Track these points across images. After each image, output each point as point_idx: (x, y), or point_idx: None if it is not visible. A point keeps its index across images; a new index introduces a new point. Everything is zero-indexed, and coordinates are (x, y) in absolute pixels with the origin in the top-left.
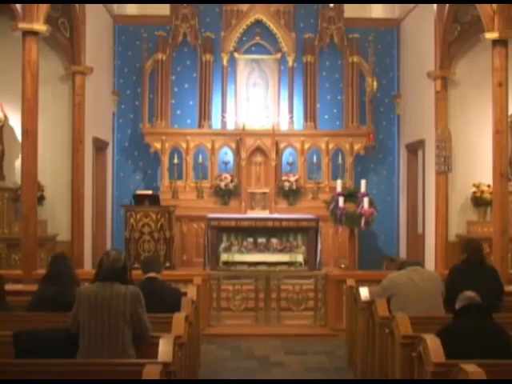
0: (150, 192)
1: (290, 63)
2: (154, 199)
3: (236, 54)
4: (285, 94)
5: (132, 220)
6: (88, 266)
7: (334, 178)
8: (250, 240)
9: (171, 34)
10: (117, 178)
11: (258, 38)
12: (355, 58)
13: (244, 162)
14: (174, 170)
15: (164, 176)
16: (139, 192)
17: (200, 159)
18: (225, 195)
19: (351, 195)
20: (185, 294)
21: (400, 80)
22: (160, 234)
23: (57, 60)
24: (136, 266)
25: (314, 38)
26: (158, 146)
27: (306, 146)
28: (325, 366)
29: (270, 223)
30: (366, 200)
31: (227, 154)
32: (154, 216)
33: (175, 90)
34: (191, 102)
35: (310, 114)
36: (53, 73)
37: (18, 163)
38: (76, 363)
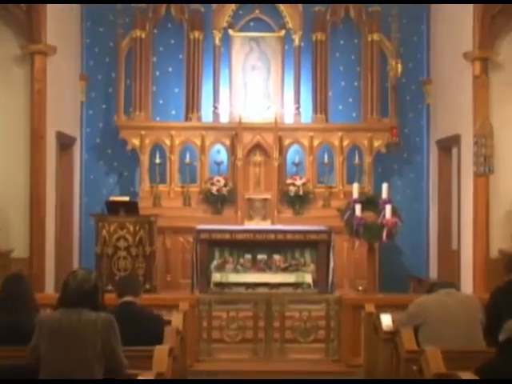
0: (126, 198)
1: (297, 42)
2: (131, 207)
3: (231, 31)
4: (290, 79)
5: (104, 232)
6: (50, 289)
7: (350, 181)
8: (248, 256)
9: (151, 7)
10: (86, 182)
11: (257, 11)
12: (375, 36)
13: (240, 162)
14: (155, 172)
15: (143, 179)
16: (113, 198)
17: (187, 159)
18: (217, 202)
19: (370, 202)
20: (168, 322)
21: (430, 62)
22: (139, 249)
23: (11, 38)
24: (109, 288)
25: (325, 12)
26: (136, 142)
27: (316, 142)
28: None
29: (272, 236)
30: (388, 208)
31: (220, 153)
32: (131, 227)
33: (157, 74)
34: (176, 90)
35: (320, 104)
36: (5, 53)
37: None
38: None
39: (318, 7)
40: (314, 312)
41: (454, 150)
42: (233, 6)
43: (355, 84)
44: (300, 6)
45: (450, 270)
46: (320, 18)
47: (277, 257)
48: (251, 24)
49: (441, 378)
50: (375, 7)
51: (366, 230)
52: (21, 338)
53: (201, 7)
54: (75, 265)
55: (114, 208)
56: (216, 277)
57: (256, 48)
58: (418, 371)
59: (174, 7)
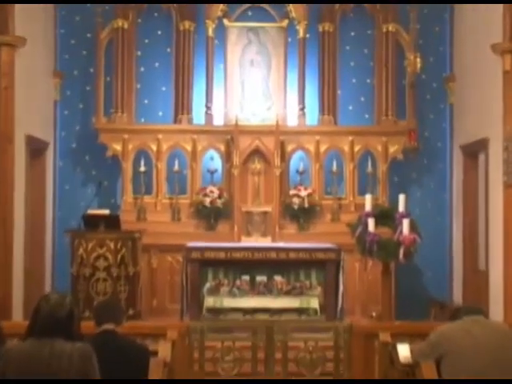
0: (106, 212)
1: (301, 34)
2: (112, 222)
3: (226, 21)
4: (293, 76)
5: (81, 251)
6: (18, 316)
7: (362, 192)
8: (246, 278)
9: None
10: (60, 193)
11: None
12: (391, 27)
13: (237, 170)
14: (139, 182)
15: (126, 190)
16: (91, 212)
17: (176, 166)
18: (210, 216)
19: (385, 216)
20: (154, 353)
21: (454, 56)
22: (120, 269)
23: None
24: (87, 314)
25: (334, 2)
26: (117, 147)
27: (323, 148)
28: None
29: (273, 255)
30: (405, 223)
31: (214, 160)
32: (111, 245)
33: (142, 70)
34: (164, 88)
35: (327, 104)
36: None
37: None
38: None
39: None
40: (322, 342)
41: (481, 157)
42: None
43: (368, 81)
44: None
45: (476, 293)
46: (328, 6)
47: (278, 278)
48: (249, 13)
49: None
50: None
51: (380, 248)
52: None
53: None
54: (47, 288)
55: (92, 223)
56: (209, 301)
57: (255, 40)
58: None
59: None
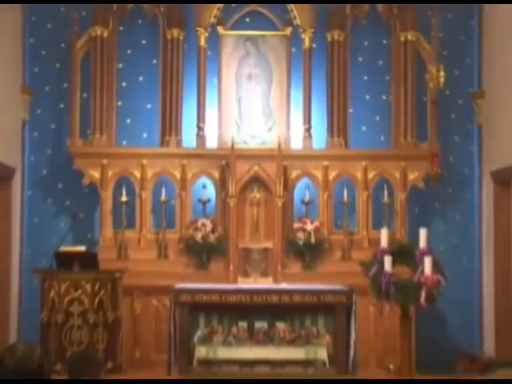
0: (82, 249)
1: (307, 43)
2: (88, 260)
3: (220, 29)
4: (298, 92)
5: (53, 293)
6: None
7: (377, 226)
8: (243, 325)
9: None
10: (28, 227)
11: (254, 3)
12: (410, 35)
13: (233, 200)
14: (121, 214)
15: (105, 223)
16: (65, 249)
17: (163, 196)
18: (202, 253)
19: (404, 253)
20: None
21: (483, 69)
22: (98, 315)
23: None
24: (59, 368)
25: (343, 5)
26: (95, 174)
27: (332, 174)
28: None
29: (275, 298)
30: (427, 261)
31: (206, 188)
32: (88, 287)
33: (123, 85)
34: (149, 105)
35: (337, 125)
36: None
37: None
38: None
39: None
40: None
41: None
42: None
43: (383, 98)
44: None
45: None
46: (338, 12)
47: (281, 325)
48: (247, 19)
49: None
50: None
51: (398, 291)
52: None
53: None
54: (13, 338)
55: (65, 261)
56: (201, 352)
57: (253, 51)
58: None
59: None
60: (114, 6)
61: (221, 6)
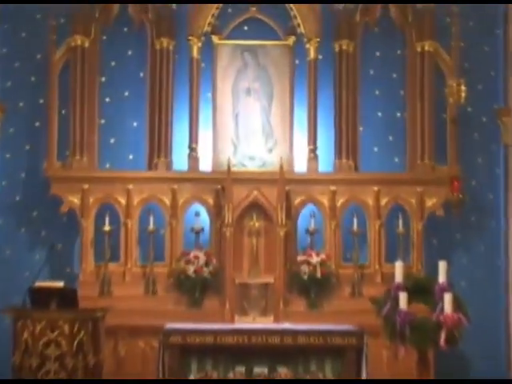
0: (59, 284)
1: (312, 54)
2: (67, 297)
3: (215, 38)
4: (302, 108)
5: (27, 335)
6: None
7: (391, 258)
8: (241, 370)
9: (98, 5)
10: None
11: (253, 9)
12: (428, 45)
13: (230, 229)
14: (103, 245)
15: (86, 255)
16: (40, 284)
17: (151, 225)
18: (195, 289)
19: (421, 289)
20: None
21: (509, 83)
22: (78, 359)
23: None
24: None
25: (353, 11)
26: (75, 201)
27: (340, 201)
28: None
29: (276, 339)
30: (447, 298)
31: (200, 216)
32: (66, 328)
33: (107, 100)
34: (135, 123)
35: (346, 145)
36: None
37: None
38: None
39: (343, 4)
40: None
41: None
42: (219, 4)
43: (398, 115)
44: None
45: None
46: (346, 19)
47: (283, 370)
48: (245, 28)
49: None
50: (428, 3)
51: (414, 331)
52: None
53: (172, 4)
54: None
55: (41, 299)
56: None
57: (252, 63)
58: None
59: (132, 4)
60: (97, 12)
61: (216, 12)
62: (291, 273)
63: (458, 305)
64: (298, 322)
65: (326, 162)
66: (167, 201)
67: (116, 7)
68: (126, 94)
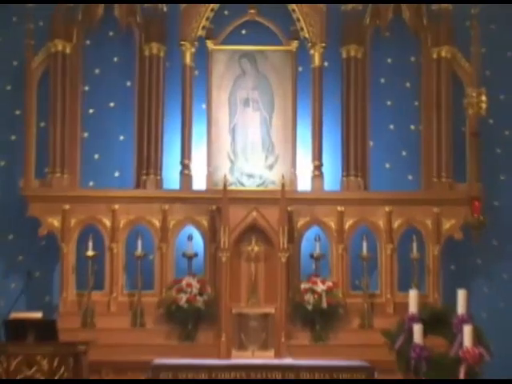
0: (37, 315)
1: (317, 61)
2: (45, 329)
3: (210, 44)
4: (305, 120)
5: (0, 371)
6: None
7: (404, 287)
8: None
9: (81, 6)
10: None
11: (252, 11)
12: (445, 51)
13: (226, 254)
14: (86, 272)
15: (67, 283)
16: (16, 315)
17: (139, 249)
18: (187, 321)
19: (438, 321)
20: None
21: None
22: None
23: None
24: None
25: (362, 13)
26: (54, 222)
27: (349, 222)
28: None
29: (278, 375)
30: (467, 330)
31: (193, 240)
32: (45, 363)
33: (90, 112)
34: (122, 137)
35: (354, 161)
36: None
37: None
38: None
39: (351, 5)
40: None
41: None
42: (214, 6)
43: (412, 128)
44: (323, 5)
45: None
46: (355, 22)
47: None
48: (243, 31)
49: None
50: (445, 5)
51: (431, 367)
52: None
53: (163, 6)
54: None
55: (17, 331)
56: None
57: (251, 70)
58: None
59: (118, 6)
60: (79, 14)
61: (210, 14)
62: (294, 302)
63: (478, 338)
64: (302, 357)
65: (332, 180)
66: (157, 223)
67: (101, 9)
68: (112, 104)
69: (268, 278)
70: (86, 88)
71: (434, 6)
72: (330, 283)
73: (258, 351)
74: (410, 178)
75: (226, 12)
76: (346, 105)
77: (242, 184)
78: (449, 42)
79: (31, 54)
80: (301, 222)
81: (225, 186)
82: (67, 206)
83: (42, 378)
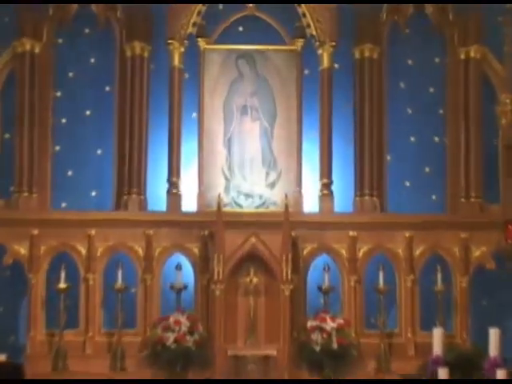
0: (1, 358)
1: (326, 62)
2: (10, 374)
3: (202, 42)
4: (312, 131)
5: None
6: None
7: (427, 324)
8: None
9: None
10: None
11: (251, 5)
12: (474, 51)
13: (220, 287)
14: (57, 308)
15: (35, 320)
16: None
17: (119, 281)
18: (176, 364)
19: (467, 365)
20: None
21: None
22: None
23: None
24: None
25: (378, 8)
26: (21, 250)
27: (363, 250)
28: None
29: None
30: (500, 376)
31: (182, 270)
32: None
33: (63, 122)
34: (100, 151)
35: (369, 179)
36: None
37: None
38: None
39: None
40: None
41: None
42: None
43: (436, 140)
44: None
45: None
46: (370, 18)
47: None
48: (240, 28)
49: None
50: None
51: None
52: None
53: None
54: None
55: None
56: None
57: (249, 73)
58: None
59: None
60: (50, 9)
61: (202, 9)
62: (299, 342)
63: None
64: None
65: (343, 201)
66: (140, 250)
67: (74, 5)
68: (88, 112)
69: (269, 314)
70: (58, 94)
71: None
72: (340, 320)
73: None
74: (433, 198)
75: (220, 6)
76: (359, 113)
77: (239, 205)
78: (478, 41)
79: None
80: (307, 250)
81: (219, 207)
82: (36, 231)
83: None
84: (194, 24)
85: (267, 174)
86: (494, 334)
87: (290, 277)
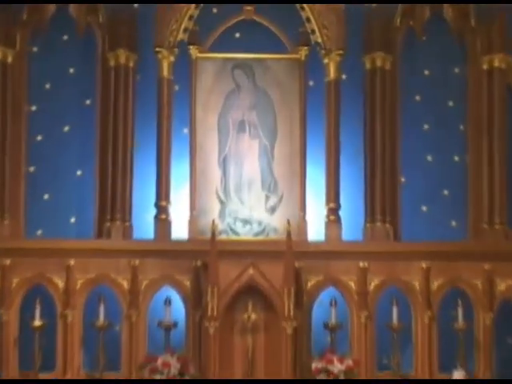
0: None
1: (333, 73)
2: None
3: (194, 50)
4: (317, 150)
5: None
6: None
7: (446, 366)
8: None
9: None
10: None
11: (248, 8)
12: (499, 61)
13: (214, 324)
14: (32, 347)
15: (8, 361)
16: None
17: (101, 318)
18: None
19: None
20: None
21: None
22: None
23: None
24: None
25: (392, 12)
26: None
27: (374, 282)
28: None
29: None
30: None
31: (172, 306)
32: None
33: (38, 139)
34: (79, 172)
35: (381, 203)
36: None
37: None
38: None
39: (375, 3)
40: None
41: None
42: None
43: (455, 159)
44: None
45: None
46: (382, 23)
47: None
48: (237, 35)
49: None
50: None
51: None
52: None
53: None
54: None
55: None
56: None
57: (247, 84)
58: None
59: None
60: (24, 14)
61: (194, 13)
62: None
63: None
64: None
65: (352, 228)
66: (125, 283)
67: (52, 7)
68: (66, 129)
69: (269, 354)
70: (33, 108)
71: (483, 4)
72: (349, 361)
73: None
74: (453, 224)
75: (214, 10)
76: (369, 130)
77: (236, 232)
78: (504, 49)
79: None
80: (312, 282)
81: (213, 234)
82: (8, 261)
83: None
84: (185, 30)
85: (267, 197)
86: None
87: (292, 312)
